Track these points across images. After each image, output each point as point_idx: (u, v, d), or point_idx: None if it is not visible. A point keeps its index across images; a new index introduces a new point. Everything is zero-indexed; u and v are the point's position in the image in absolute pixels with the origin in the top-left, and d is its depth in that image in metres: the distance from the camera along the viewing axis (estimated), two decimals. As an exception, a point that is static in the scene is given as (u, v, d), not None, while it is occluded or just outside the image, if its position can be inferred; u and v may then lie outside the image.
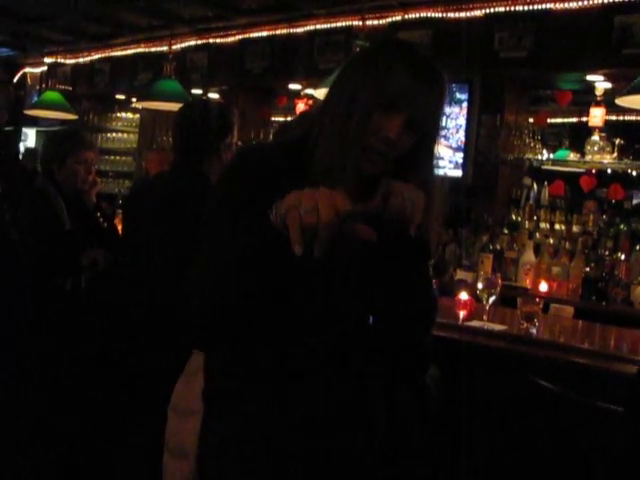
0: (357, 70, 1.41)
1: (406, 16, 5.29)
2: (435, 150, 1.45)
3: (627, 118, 5.85)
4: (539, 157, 4.93)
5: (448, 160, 4.96)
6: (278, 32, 6.03)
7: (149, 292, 2.54)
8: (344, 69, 1.45)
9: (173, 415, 2.13)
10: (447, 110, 4.88)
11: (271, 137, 6.13)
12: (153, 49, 7.06)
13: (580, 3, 4.37)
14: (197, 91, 6.62)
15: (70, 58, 8.06)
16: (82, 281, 3.17)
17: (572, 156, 5.04)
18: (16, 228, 3.24)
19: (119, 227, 3.49)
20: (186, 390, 2.11)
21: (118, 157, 7.78)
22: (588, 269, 4.20)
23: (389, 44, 1.50)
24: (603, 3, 4.29)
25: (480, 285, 2.75)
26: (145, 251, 2.61)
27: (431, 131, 1.43)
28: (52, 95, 6.06)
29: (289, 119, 6.91)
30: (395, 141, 1.35)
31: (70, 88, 7.85)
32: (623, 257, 4.14)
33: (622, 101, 3.28)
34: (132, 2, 5.93)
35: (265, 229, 1.20)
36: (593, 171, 4.99)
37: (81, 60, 7.97)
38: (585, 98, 5.07)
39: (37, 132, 8.82)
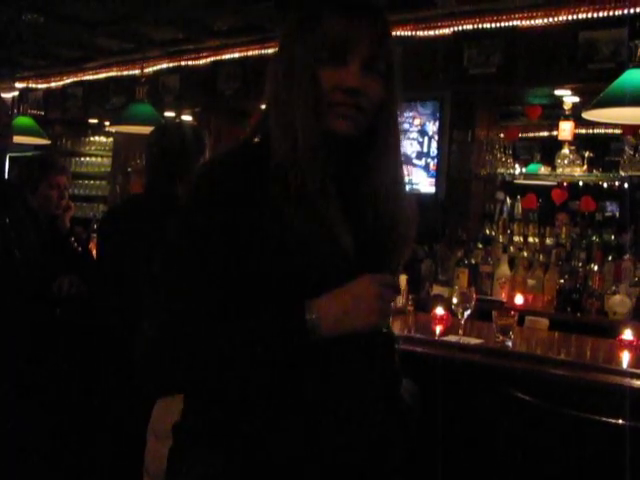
0: (289, 38, 1.26)
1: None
2: (398, 108, 1.31)
3: (596, 131, 5.94)
4: (511, 171, 4.97)
5: (421, 177, 5.01)
6: (250, 53, 6.05)
7: (124, 315, 2.53)
8: (280, 46, 1.29)
9: (152, 438, 2.11)
10: (416, 122, 5.01)
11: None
12: (125, 72, 7.04)
13: (546, 20, 4.44)
14: (170, 113, 6.62)
15: (42, 83, 8.02)
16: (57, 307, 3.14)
17: (543, 170, 5.09)
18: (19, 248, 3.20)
19: (94, 251, 3.48)
20: (166, 412, 2.09)
21: (92, 181, 7.76)
22: (562, 281, 4.24)
23: None
24: (568, 20, 4.35)
25: (455, 300, 2.77)
26: (120, 275, 2.60)
27: (390, 74, 1.27)
28: (24, 120, 6.06)
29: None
30: (360, 88, 1.22)
31: (42, 113, 7.82)
32: (596, 268, 4.19)
33: (588, 115, 3.33)
34: (104, 26, 5.92)
35: (297, 332, 1.17)
36: (564, 184, 5.06)
37: (53, 85, 7.93)
38: (554, 112, 5.14)
39: (9, 158, 8.76)
